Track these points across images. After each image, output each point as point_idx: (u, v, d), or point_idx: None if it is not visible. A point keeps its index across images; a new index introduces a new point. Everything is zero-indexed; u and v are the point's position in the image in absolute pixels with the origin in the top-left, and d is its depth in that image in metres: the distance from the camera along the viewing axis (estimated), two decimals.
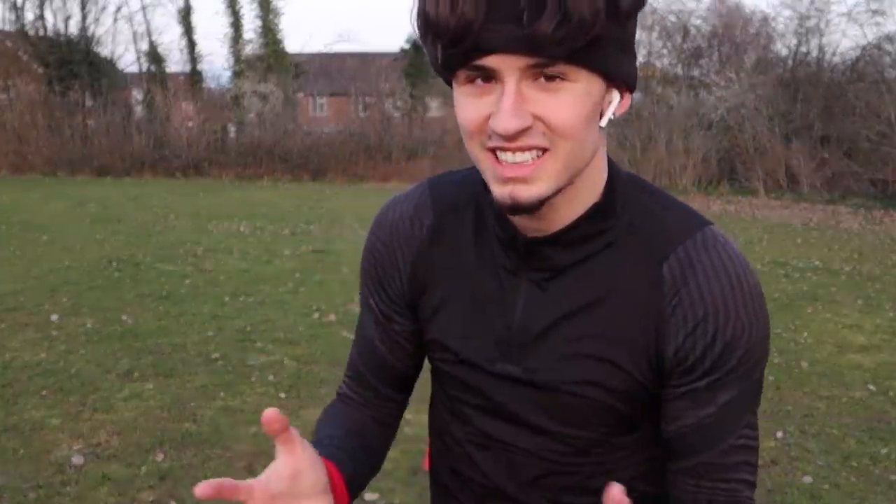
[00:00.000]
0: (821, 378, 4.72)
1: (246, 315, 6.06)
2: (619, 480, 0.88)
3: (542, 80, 0.76)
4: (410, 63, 23.55)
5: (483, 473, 1.01)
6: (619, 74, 0.79)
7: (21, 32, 25.01)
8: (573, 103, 0.77)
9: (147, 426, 3.90)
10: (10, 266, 7.83)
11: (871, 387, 4.57)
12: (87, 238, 9.67)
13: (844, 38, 35.98)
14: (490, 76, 0.77)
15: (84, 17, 24.99)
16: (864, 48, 18.70)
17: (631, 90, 0.82)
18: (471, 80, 0.79)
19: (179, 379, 4.59)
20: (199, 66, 24.63)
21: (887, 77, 17.73)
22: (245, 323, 5.81)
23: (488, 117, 0.77)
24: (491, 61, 0.75)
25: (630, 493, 0.85)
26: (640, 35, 23.10)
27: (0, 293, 6.65)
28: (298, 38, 63.00)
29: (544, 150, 0.78)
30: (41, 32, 24.79)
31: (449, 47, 0.76)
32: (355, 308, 6.29)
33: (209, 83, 25.67)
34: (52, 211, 12.39)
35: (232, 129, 22.69)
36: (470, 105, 0.79)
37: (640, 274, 0.87)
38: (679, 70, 21.20)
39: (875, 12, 18.91)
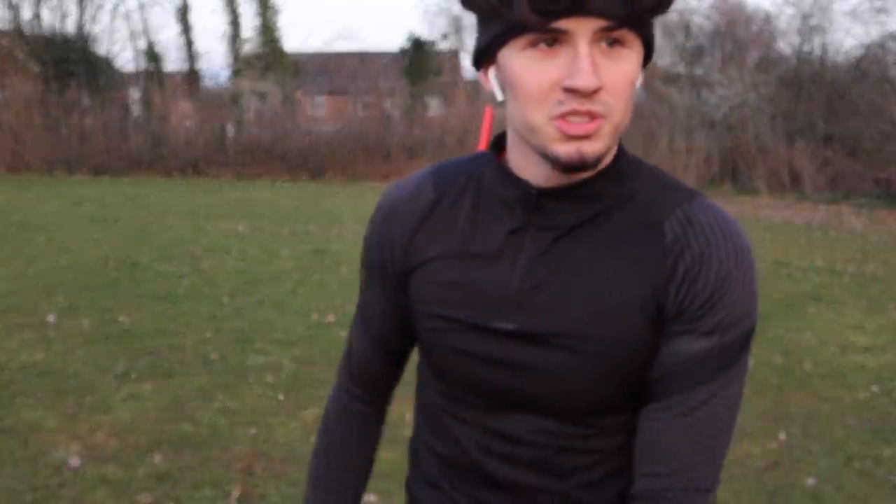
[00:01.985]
0: (824, 379, 4.72)
1: (244, 316, 6.06)
2: (606, 470, 0.96)
3: (604, 44, 0.80)
4: (410, 62, 23.56)
5: (468, 455, 1.01)
6: (653, 46, 0.86)
7: (17, 31, 25.01)
8: (629, 69, 0.82)
9: (145, 427, 3.90)
10: (6, 266, 7.83)
11: (875, 388, 4.57)
12: (85, 238, 9.68)
13: (848, 37, 35.98)
14: (556, 39, 0.80)
15: (81, 16, 24.99)
16: (867, 47, 18.72)
17: (646, 66, 0.88)
18: (532, 44, 0.81)
19: (177, 380, 4.59)
20: (197, 65, 24.64)
21: (891, 76, 17.74)
22: (243, 324, 5.81)
23: (556, 82, 0.80)
24: (567, 24, 0.78)
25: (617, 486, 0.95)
26: None
27: None
28: (297, 36, 63.00)
29: (598, 117, 0.81)
30: (38, 31, 24.80)
31: (513, 14, 0.79)
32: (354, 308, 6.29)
33: (207, 82, 25.67)
34: (49, 210, 12.40)
35: (230, 128, 22.68)
36: (537, 69, 0.81)
37: (641, 234, 0.90)
38: (681, 68, 21.20)
39: (879, 10, 18.93)
